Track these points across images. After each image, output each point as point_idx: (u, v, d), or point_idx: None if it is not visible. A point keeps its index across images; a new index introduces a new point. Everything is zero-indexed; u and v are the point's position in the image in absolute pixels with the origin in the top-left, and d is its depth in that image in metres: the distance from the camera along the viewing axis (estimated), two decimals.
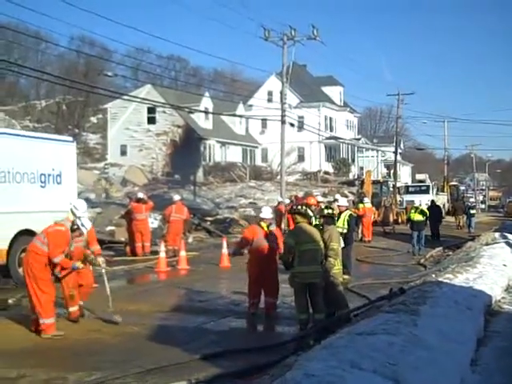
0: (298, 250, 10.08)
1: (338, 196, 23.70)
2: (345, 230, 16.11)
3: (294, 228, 10.85)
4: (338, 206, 16.96)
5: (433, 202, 29.65)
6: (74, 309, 10.44)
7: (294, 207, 11.41)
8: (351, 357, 6.15)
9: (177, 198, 21.82)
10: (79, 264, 10.02)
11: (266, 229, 11.65)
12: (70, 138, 17.79)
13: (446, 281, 12.08)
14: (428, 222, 24.83)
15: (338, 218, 16.27)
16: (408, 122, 67.93)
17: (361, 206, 26.81)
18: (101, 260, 10.73)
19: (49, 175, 15.38)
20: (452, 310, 9.39)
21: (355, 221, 18.87)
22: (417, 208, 23.34)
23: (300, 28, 31.10)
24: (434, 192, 44.66)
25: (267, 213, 11.93)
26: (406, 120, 61.71)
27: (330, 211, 11.71)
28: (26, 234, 14.29)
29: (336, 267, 10.83)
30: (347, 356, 6.15)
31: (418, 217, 22.86)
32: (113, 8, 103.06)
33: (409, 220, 23.87)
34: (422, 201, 27.38)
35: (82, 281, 10.57)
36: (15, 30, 38.41)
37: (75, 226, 9.91)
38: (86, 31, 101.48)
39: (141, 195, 21.92)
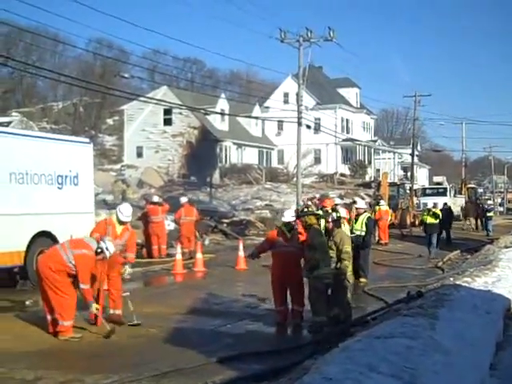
0: (324, 251, 10.15)
1: (357, 198, 23.51)
2: (363, 233, 16.05)
3: (316, 228, 10.74)
4: (357, 208, 16.90)
5: (445, 204, 29.25)
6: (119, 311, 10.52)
7: (306, 210, 11.36)
8: (369, 360, 6.08)
9: (184, 200, 21.88)
10: (94, 307, 9.82)
11: (287, 233, 11.15)
12: (87, 140, 17.88)
13: (464, 284, 11.98)
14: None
15: (356, 220, 16.22)
16: (425, 123, 67.70)
17: (377, 208, 26.66)
18: (128, 271, 10.69)
19: (66, 177, 15.43)
20: (470, 314, 9.30)
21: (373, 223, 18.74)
22: (429, 210, 23.07)
23: (316, 29, 31.05)
24: (452, 194, 44.38)
25: (289, 216, 11.38)
26: (423, 122, 61.47)
27: (338, 214, 11.71)
28: (44, 235, 14.37)
29: (349, 270, 10.84)
30: (365, 359, 6.09)
31: (430, 219, 22.56)
32: (130, 10, 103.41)
33: (422, 223, 23.59)
34: (439, 203, 27.19)
35: (111, 287, 10.62)
36: (34, 32, 38.66)
37: (99, 250, 9.88)
38: (104, 33, 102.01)
39: (156, 198, 21.94)
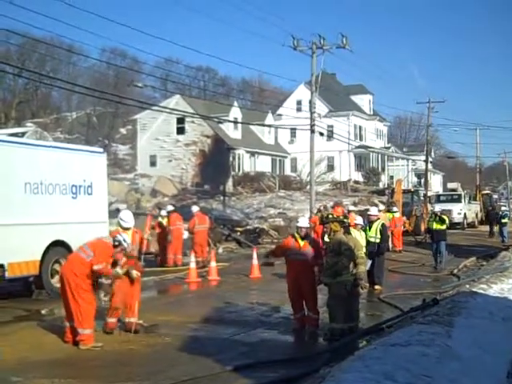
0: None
1: (370, 208, 23.26)
2: (377, 240, 15.98)
3: (340, 235, 10.73)
4: (369, 215, 16.82)
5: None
6: (112, 320, 10.51)
7: (330, 216, 11.31)
8: (385, 368, 6.07)
9: (195, 209, 21.93)
10: (119, 270, 10.04)
11: (300, 240, 11.12)
12: (101, 149, 17.95)
13: (480, 291, 11.91)
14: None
15: (370, 227, 16.16)
16: (439, 129, 67.40)
17: (390, 215, 26.42)
18: (134, 272, 10.71)
19: (80, 186, 15.51)
20: (487, 321, 9.25)
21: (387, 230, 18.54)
22: (436, 215, 21.55)
23: (329, 36, 31.11)
24: (466, 201, 44.11)
25: (304, 221, 11.37)
26: (436, 128, 61.25)
27: (348, 221, 11.74)
28: (58, 245, 14.44)
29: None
30: (381, 368, 6.07)
31: (437, 225, 21.20)
32: (142, 19, 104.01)
33: (428, 229, 22.32)
34: (454, 210, 26.82)
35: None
36: (48, 43, 38.99)
37: (116, 242, 9.94)
38: (117, 43, 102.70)
39: (171, 207, 22.10)
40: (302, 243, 11.11)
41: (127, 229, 10.83)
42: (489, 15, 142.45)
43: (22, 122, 51.21)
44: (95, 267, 9.56)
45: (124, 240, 10.06)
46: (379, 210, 20.33)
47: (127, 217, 10.94)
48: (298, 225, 11.29)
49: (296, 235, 11.25)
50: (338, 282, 10.27)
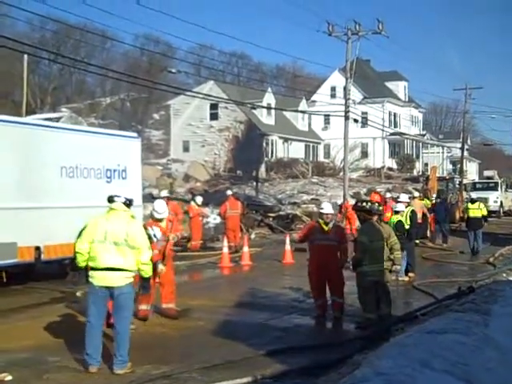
0: (369, 247, 10.01)
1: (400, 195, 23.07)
2: (407, 226, 15.85)
3: (364, 225, 10.66)
4: (399, 202, 16.67)
5: (438, 197, 27.06)
6: (143, 307, 10.50)
7: (360, 204, 11.20)
8: (421, 356, 5.97)
9: (229, 193, 22.02)
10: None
11: (324, 226, 11.08)
12: (135, 134, 18.06)
13: None
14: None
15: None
16: (475, 116, 66.38)
17: (427, 202, 26.05)
18: (160, 267, 10.50)
19: (114, 171, 15.62)
20: None
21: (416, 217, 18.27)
22: (473, 201, 21.56)
23: (363, 21, 30.64)
24: (503, 189, 43.45)
25: (328, 208, 11.27)
26: (473, 115, 60.31)
27: (381, 208, 11.66)
28: None
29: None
30: (417, 355, 5.98)
31: (474, 213, 21.09)
32: (176, 5, 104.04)
33: (467, 217, 21.90)
34: (490, 198, 26.40)
35: (163, 279, 10.59)
36: (83, 29, 39.26)
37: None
38: (151, 29, 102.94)
39: (165, 193, 20.75)
40: (326, 228, 11.07)
41: (160, 220, 10.68)
42: None
43: (57, 107, 51.76)
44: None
45: (154, 235, 10.00)
46: (410, 197, 20.12)
47: (161, 207, 10.64)
48: (322, 211, 11.22)
49: (320, 221, 11.21)
50: (358, 272, 10.20)
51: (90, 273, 7.67)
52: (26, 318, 10.69)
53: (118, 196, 7.96)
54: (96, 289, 7.61)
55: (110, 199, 7.98)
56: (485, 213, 21.89)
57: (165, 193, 20.26)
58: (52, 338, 9.29)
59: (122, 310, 7.70)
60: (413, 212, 16.44)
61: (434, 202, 25.95)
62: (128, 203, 7.99)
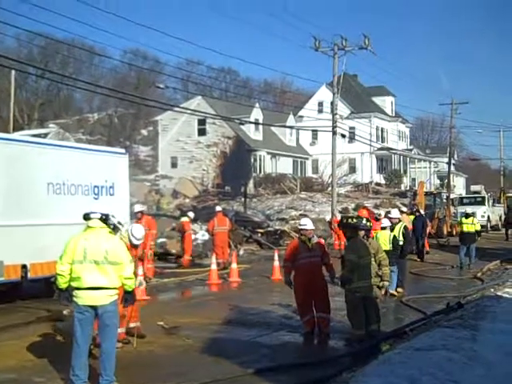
0: (358, 265, 10.00)
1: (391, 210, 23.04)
2: (400, 242, 15.84)
3: (351, 242, 10.64)
4: (390, 218, 16.66)
5: (417, 211, 26.29)
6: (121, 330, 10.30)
7: (345, 220, 11.20)
8: (410, 373, 5.98)
9: (218, 208, 22.03)
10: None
11: (308, 242, 11.01)
12: (123, 150, 17.97)
13: (505, 295, 11.75)
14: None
15: (392, 230, 16.01)
16: (462, 131, 66.81)
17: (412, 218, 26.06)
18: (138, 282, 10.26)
19: (102, 187, 15.55)
20: None
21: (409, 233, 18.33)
22: (468, 216, 21.56)
23: (350, 37, 30.86)
24: (490, 203, 43.66)
25: (309, 223, 11.15)
26: (459, 130, 60.73)
27: (370, 224, 11.69)
28: None
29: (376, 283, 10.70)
30: (406, 372, 5.98)
31: (468, 228, 21.18)
32: (164, 21, 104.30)
33: (461, 232, 21.92)
34: (478, 213, 26.52)
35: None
36: (71, 44, 39.26)
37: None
38: (139, 44, 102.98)
39: (139, 208, 18.63)
40: (310, 244, 11.04)
41: (136, 246, 10.33)
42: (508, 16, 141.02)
43: (44, 123, 51.60)
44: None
45: (119, 222, 9.84)
46: (402, 212, 20.17)
47: (139, 233, 10.28)
48: (304, 227, 11.10)
49: (302, 238, 11.14)
50: (347, 289, 10.19)
51: (74, 292, 7.58)
52: (12, 338, 10.55)
53: (94, 212, 7.90)
54: (82, 308, 7.53)
55: (86, 217, 7.92)
56: (478, 228, 22.08)
57: (139, 207, 18.56)
58: (38, 357, 9.16)
59: (107, 329, 7.61)
60: (405, 228, 16.47)
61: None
62: (104, 218, 7.92)
